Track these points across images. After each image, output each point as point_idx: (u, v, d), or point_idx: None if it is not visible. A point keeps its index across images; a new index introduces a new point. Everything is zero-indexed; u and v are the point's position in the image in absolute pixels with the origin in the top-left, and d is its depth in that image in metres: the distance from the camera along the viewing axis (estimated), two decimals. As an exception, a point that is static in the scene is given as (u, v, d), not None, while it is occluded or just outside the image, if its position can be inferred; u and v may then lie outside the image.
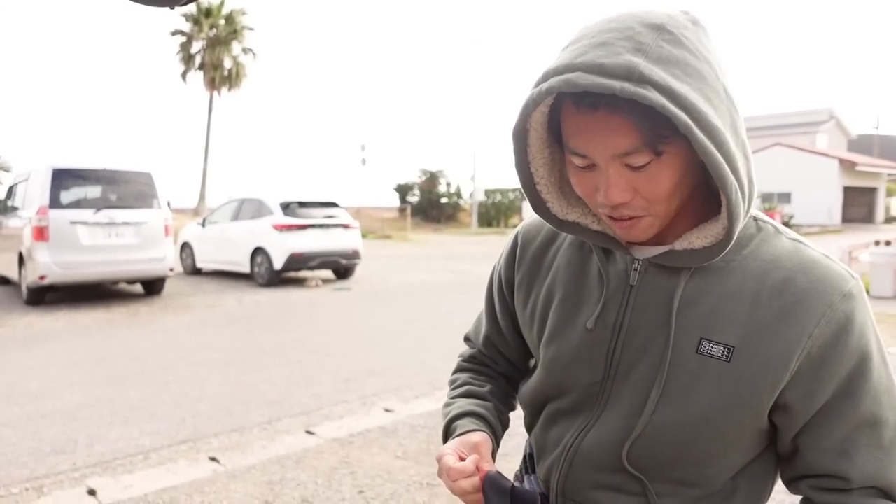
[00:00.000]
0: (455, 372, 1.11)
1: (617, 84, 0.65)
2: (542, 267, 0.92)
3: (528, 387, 0.96)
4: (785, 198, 32.45)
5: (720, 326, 0.75)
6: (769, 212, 24.87)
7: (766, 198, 31.23)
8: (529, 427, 0.98)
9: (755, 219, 0.81)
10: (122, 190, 8.50)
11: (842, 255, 8.67)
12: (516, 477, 1.06)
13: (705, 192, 0.78)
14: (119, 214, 8.22)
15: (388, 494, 2.82)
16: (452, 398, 1.04)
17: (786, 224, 25.49)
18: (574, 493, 0.85)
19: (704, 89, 0.68)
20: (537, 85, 0.71)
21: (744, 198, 0.71)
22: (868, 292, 8.35)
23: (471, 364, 1.10)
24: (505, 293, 1.00)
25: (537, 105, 0.72)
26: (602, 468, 0.82)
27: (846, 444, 0.75)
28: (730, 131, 0.69)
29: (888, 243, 8.73)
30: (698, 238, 0.76)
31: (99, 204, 8.21)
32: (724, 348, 0.74)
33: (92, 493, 2.85)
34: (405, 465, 3.14)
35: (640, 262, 0.81)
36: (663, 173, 0.71)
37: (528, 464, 1.00)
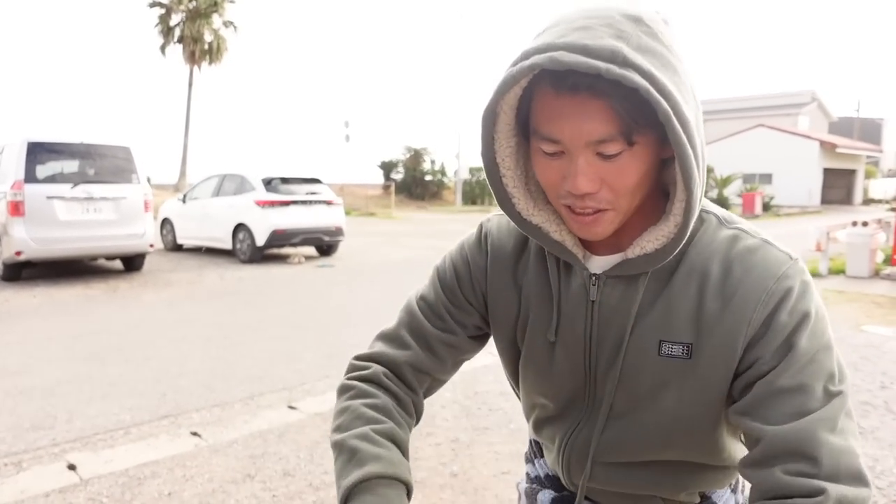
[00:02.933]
0: (359, 395, 0.90)
1: (602, 65, 0.64)
2: (515, 282, 0.89)
3: (521, 390, 0.96)
4: (766, 179, 32.77)
5: (676, 326, 0.77)
6: (751, 192, 25.10)
7: (748, 179, 31.51)
8: (527, 417, 1.00)
9: (700, 210, 0.81)
10: (100, 164, 8.34)
11: (820, 235, 8.78)
12: (527, 458, 1.08)
13: (656, 193, 0.79)
14: (97, 189, 8.08)
15: (370, 468, 2.83)
16: (346, 439, 0.82)
17: (766, 205, 25.81)
18: (579, 479, 0.91)
19: (678, 83, 0.69)
20: (516, 64, 0.69)
21: (702, 184, 0.73)
22: (844, 272, 8.49)
23: (381, 386, 0.91)
24: (468, 301, 0.92)
25: (516, 82, 0.70)
26: (596, 462, 0.88)
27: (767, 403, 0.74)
28: (696, 130, 0.70)
29: (865, 224, 8.86)
30: (650, 241, 0.77)
31: (76, 179, 8.06)
32: (683, 347, 0.77)
33: (72, 467, 2.84)
34: (387, 439, 3.16)
35: (598, 277, 0.81)
36: (633, 165, 0.71)
37: (535, 448, 1.07)
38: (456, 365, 0.97)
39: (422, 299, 0.97)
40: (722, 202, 27.22)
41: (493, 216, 0.95)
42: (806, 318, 0.73)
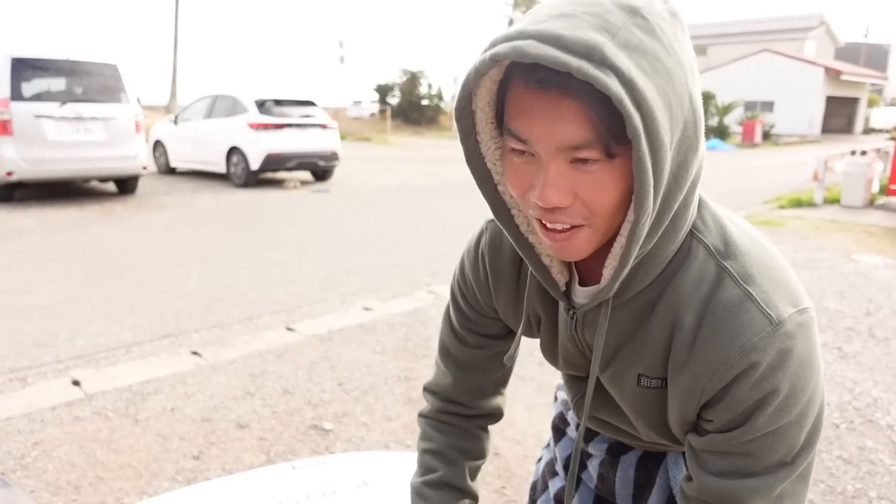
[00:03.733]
0: (422, 438, 1.03)
1: (574, 61, 0.54)
2: (518, 297, 0.88)
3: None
4: (768, 107, 32.25)
5: (652, 363, 0.74)
6: (751, 121, 24.76)
7: (750, 106, 31.02)
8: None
9: (692, 233, 0.72)
10: (88, 83, 8.11)
11: (818, 164, 8.74)
12: (546, 443, 1.16)
13: None
14: (86, 109, 7.89)
15: (367, 386, 2.92)
16: (424, 485, 1.00)
17: (766, 134, 25.53)
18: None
19: (668, 92, 0.59)
20: (484, 51, 0.60)
21: (653, 222, 0.64)
22: (839, 202, 8.51)
23: (438, 424, 1.02)
24: (485, 316, 0.94)
25: (480, 76, 0.61)
26: (592, 419, 0.94)
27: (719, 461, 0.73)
28: (674, 146, 0.61)
29: (863, 153, 8.80)
30: (608, 266, 0.70)
31: (63, 97, 7.85)
32: (660, 380, 0.75)
33: (76, 383, 2.91)
34: (383, 359, 3.24)
35: (577, 312, 0.77)
36: (612, 180, 0.61)
37: (554, 433, 1.12)
38: (505, 368, 1.01)
39: (448, 326, 0.99)
40: (722, 131, 26.90)
41: (486, 227, 0.89)
42: (771, 396, 0.66)
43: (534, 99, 0.60)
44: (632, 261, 0.65)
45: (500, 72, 0.63)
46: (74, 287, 4.44)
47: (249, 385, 2.93)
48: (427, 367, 3.15)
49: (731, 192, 10.09)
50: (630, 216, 0.64)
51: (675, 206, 0.65)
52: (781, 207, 8.46)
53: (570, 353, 0.85)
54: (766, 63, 32.41)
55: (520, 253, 0.76)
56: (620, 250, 0.67)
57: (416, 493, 1.00)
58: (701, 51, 40.85)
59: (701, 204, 0.73)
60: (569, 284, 0.78)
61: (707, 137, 25.36)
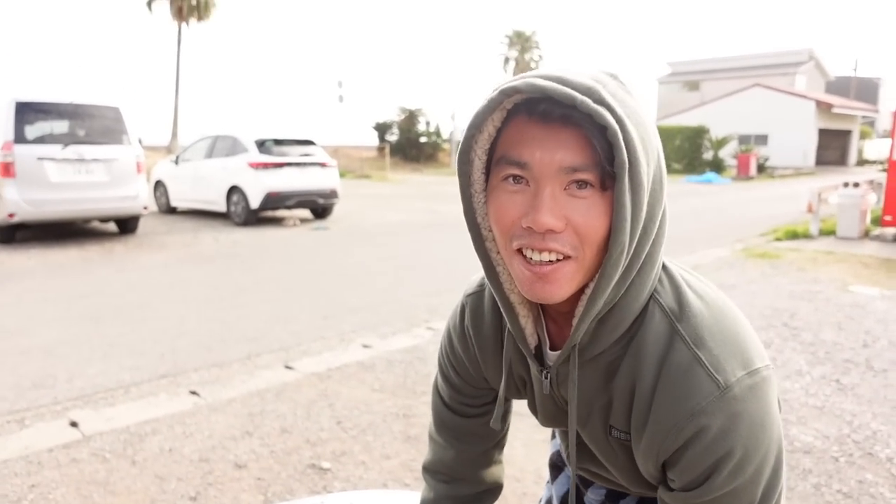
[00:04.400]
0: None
1: (578, 95, 0.62)
2: (502, 362, 0.91)
3: None
4: (762, 140, 32.63)
5: (620, 417, 0.78)
6: (745, 154, 25.03)
7: (744, 140, 31.38)
8: None
9: (652, 294, 0.75)
10: (90, 125, 8.26)
11: (812, 196, 8.82)
12: (552, 434, 1.18)
13: None
14: (88, 150, 8.02)
15: (366, 424, 2.92)
16: None
17: (761, 167, 25.78)
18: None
19: (646, 141, 0.66)
20: (491, 93, 0.66)
21: (624, 260, 0.67)
22: (835, 233, 8.57)
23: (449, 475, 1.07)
24: (475, 384, 0.99)
25: (492, 111, 0.67)
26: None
27: None
28: (648, 192, 0.66)
29: (856, 185, 8.90)
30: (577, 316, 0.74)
31: (66, 140, 7.98)
32: (625, 433, 0.79)
33: (74, 424, 2.91)
34: (382, 397, 3.24)
35: (549, 371, 0.81)
36: (602, 210, 0.65)
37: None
38: (504, 427, 1.06)
39: (441, 401, 1.04)
40: (717, 164, 27.17)
41: (466, 301, 0.94)
42: (725, 458, 0.69)
43: (536, 128, 0.66)
44: (602, 299, 0.68)
45: (502, 117, 0.69)
46: (74, 327, 4.45)
47: (248, 424, 2.93)
48: (425, 404, 3.14)
49: (727, 224, 10.17)
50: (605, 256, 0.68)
51: (644, 256, 0.69)
52: (778, 239, 8.52)
53: (551, 411, 0.89)
54: (759, 97, 32.94)
55: (501, 309, 0.80)
56: (590, 293, 0.70)
57: None
58: (694, 86, 41.54)
59: (664, 267, 0.78)
60: (539, 348, 0.82)
61: (703, 171, 25.44)
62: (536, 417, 0.94)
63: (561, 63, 0.75)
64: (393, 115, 33.43)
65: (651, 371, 0.73)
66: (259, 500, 2.29)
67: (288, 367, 3.68)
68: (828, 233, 8.75)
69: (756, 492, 0.72)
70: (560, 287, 0.69)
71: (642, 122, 0.66)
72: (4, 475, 2.46)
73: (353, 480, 2.43)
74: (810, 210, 8.89)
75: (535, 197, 0.66)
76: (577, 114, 0.63)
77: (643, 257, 0.70)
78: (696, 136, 28.54)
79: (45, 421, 2.96)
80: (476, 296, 0.92)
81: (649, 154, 0.66)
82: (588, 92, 0.63)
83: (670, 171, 28.78)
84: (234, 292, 5.61)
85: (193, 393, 3.30)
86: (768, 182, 22.98)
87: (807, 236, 8.63)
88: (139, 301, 5.25)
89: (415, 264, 7.06)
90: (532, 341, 0.81)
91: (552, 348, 0.82)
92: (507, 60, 44.79)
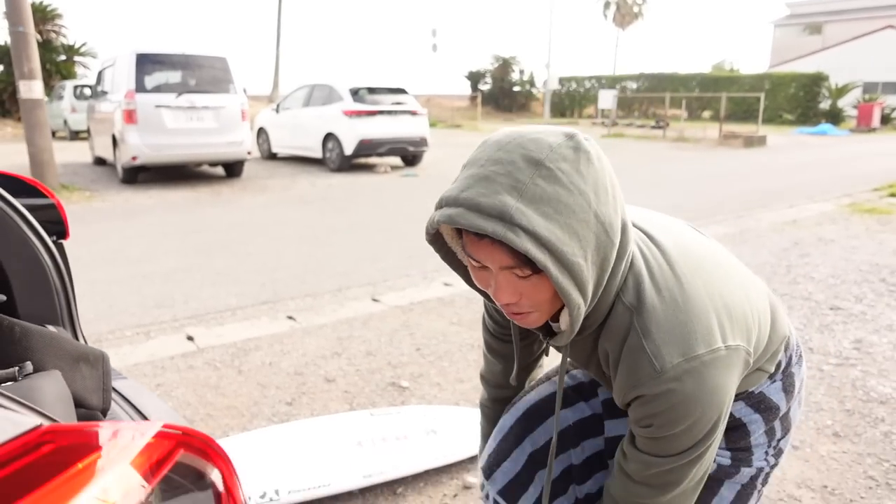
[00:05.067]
0: (480, 423, 1.40)
1: (489, 226, 0.75)
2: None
3: None
4: (891, 88, 29.64)
5: (605, 367, 1.00)
6: (868, 104, 22.88)
7: (870, 88, 28.62)
8: None
9: (617, 293, 0.91)
10: (199, 75, 8.83)
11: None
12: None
13: None
14: (199, 99, 8.60)
15: (443, 352, 3.14)
16: None
17: (885, 118, 23.50)
18: None
19: (572, 223, 0.77)
20: (436, 208, 0.83)
21: (586, 306, 0.84)
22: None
23: (489, 413, 1.36)
24: (506, 323, 1.20)
25: (432, 230, 0.87)
26: None
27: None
28: (591, 255, 0.80)
29: None
30: (562, 324, 0.93)
31: (179, 88, 8.60)
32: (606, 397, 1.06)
33: (190, 338, 3.32)
34: (459, 330, 3.45)
35: (548, 342, 1.02)
36: (544, 284, 0.83)
37: None
38: (512, 380, 1.28)
39: (487, 330, 1.25)
40: (835, 115, 25.07)
41: None
42: (657, 417, 0.90)
43: (475, 240, 0.81)
44: (576, 329, 0.89)
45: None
46: (188, 258, 4.95)
47: (337, 347, 3.23)
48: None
49: (836, 179, 9.53)
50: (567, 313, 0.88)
51: (605, 282, 0.87)
52: (892, 195, 7.92)
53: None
54: (890, 40, 29.76)
55: (503, 310, 1.00)
56: (567, 322, 0.89)
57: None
58: (815, 29, 38.06)
59: (631, 266, 0.92)
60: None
61: (817, 122, 23.56)
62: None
63: (493, 138, 0.84)
64: (486, 64, 32.98)
65: (616, 348, 0.93)
66: (345, 408, 2.57)
67: (374, 300, 3.96)
68: (952, 189, 8.02)
69: (688, 442, 0.93)
70: (533, 323, 0.91)
71: (565, 206, 0.77)
72: (136, 375, 2.88)
73: (428, 398, 2.67)
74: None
75: (492, 278, 0.85)
76: None
77: (604, 282, 0.87)
78: (812, 83, 26.35)
79: (167, 334, 3.39)
80: None
81: (578, 231, 0.78)
82: (501, 215, 0.75)
83: (780, 121, 26.83)
84: (328, 232, 5.98)
85: (290, 318, 3.64)
86: (892, 134, 21.01)
87: (927, 192, 7.95)
88: (243, 237, 5.72)
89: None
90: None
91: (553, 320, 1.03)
92: (607, 4, 42.71)
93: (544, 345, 1.08)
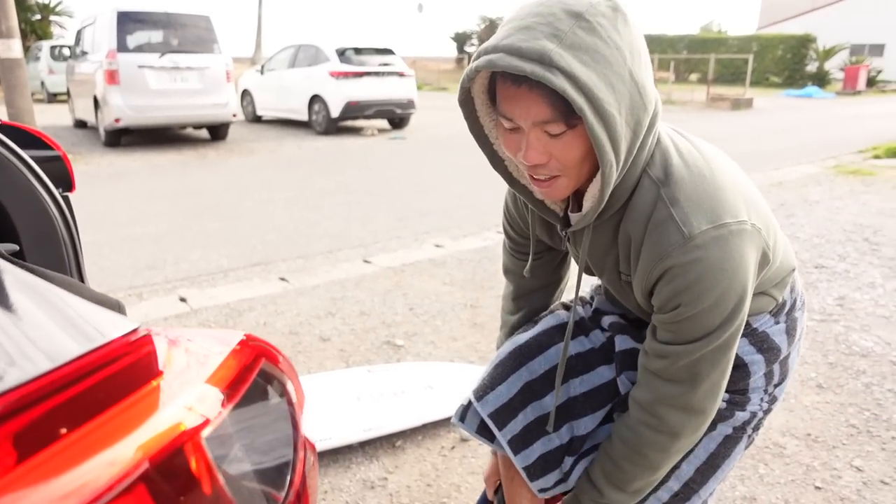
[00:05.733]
0: (505, 309, 1.40)
1: (528, 66, 0.76)
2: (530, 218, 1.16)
3: None
4: (877, 50, 29.63)
5: (624, 263, 1.00)
6: (855, 66, 22.89)
7: (857, 50, 28.58)
8: None
9: (644, 168, 0.92)
10: (182, 34, 8.62)
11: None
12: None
13: None
14: (182, 59, 8.42)
15: (436, 311, 3.18)
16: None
17: (871, 80, 23.56)
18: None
19: (609, 75, 0.79)
20: (472, 60, 0.84)
21: (618, 169, 0.86)
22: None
23: (511, 305, 1.37)
24: (525, 234, 1.24)
25: (472, 80, 0.86)
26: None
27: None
28: (625, 112, 0.81)
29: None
30: (587, 200, 0.94)
31: (162, 48, 8.40)
32: (628, 275, 1.01)
33: (183, 300, 3.32)
34: (451, 290, 3.49)
35: (566, 232, 1.03)
36: (576, 142, 0.84)
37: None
38: (555, 272, 1.32)
39: (506, 251, 1.31)
40: (821, 77, 25.08)
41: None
42: (684, 292, 0.90)
43: (512, 91, 0.83)
44: (606, 197, 0.88)
45: (487, 71, 0.88)
46: (177, 221, 4.92)
47: (331, 307, 3.25)
48: (492, 297, 3.37)
49: (821, 142, 9.59)
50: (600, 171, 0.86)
51: (636, 151, 0.88)
52: (876, 157, 7.99)
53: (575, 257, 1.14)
54: (878, 2, 29.62)
55: (517, 193, 1.04)
56: (597, 192, 0.90)
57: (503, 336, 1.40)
58: (805, -10, 37.70)
59: (658, 142, 0.94)
60: (566, 211, 1.05)
61: (804, 85, 23.49)
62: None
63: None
64: (473, 25, 32.42)
65: (640, 228, 0.93)
66: (342, 366, 2.61)
67: (366, 261, 3.98)
68: (936, 151, 8.11)
69: (714, 322, 0.92)
70: (559, 192, 0.92)
71: (602, 57, 0.78)
72: (130, 335, 2.89)
73: (423, 356, 2.71)
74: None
75: (523, 139, 0.86)
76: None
77: (635, 152, 0.88)
78: (800, 45, 26.24)
79: (159, 296, 3.40)
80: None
81: (614, 83, 0.79)
82: (539, 58, 0.77)
83: (767, 84, 26.78)
84: (317, 195, 5.95)
85: (282, 279, 3.66)
86: (877, 97, 21.08)
87: (911, 154, 8.04)
88: (232, 200, 5.68)
89: (488, 172, 7.12)
90: (557, 208, 1.04)
91: (573, 210, 1.03)
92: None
93: (563, 252, 1.12)
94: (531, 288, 1.32)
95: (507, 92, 0.84)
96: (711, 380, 0.97)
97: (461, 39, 32.48)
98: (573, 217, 1.01)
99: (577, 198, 1.02)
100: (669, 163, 0.92)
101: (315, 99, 10.47)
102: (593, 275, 1.13)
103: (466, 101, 0.93)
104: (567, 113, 0.81)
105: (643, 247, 0.93)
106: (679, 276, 0.89)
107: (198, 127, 9.57)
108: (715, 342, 0.94)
